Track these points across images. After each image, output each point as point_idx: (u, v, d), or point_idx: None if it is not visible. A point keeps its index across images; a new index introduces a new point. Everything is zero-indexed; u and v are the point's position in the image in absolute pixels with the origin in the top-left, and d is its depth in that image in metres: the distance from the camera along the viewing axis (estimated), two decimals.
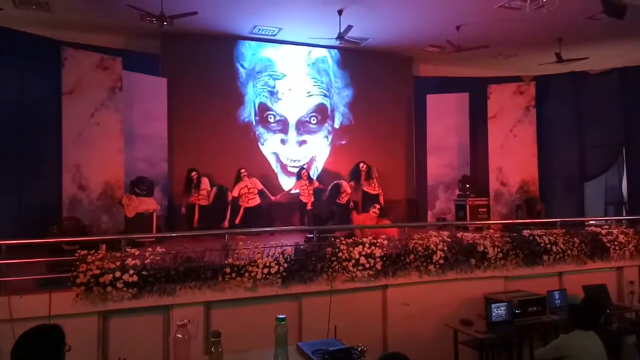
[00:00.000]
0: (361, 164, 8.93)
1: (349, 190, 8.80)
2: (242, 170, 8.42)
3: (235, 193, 8.29)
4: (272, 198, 8.77)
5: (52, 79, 7.12)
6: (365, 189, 8.86)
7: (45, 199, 7.11)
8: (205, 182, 8.09)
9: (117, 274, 4.27)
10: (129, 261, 4.46)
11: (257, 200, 8.44)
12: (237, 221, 8.13)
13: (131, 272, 4.31)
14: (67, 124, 6.97)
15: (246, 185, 8.34)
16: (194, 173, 7.98)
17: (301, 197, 8.73)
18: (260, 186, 8.62)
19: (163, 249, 4.73)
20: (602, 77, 10.08)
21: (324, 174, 9.77)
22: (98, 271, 4.24)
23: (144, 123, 8.17)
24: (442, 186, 10.21)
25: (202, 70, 8.98)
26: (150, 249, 4.73)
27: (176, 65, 8.75)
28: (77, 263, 4.28)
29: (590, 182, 10.21)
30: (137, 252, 4.65)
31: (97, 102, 7.23)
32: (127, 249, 4.67)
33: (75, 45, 7.43)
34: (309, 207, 8.60)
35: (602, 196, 10.30)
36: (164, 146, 8.47)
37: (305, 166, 9.38)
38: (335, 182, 9.01)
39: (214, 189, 8.18)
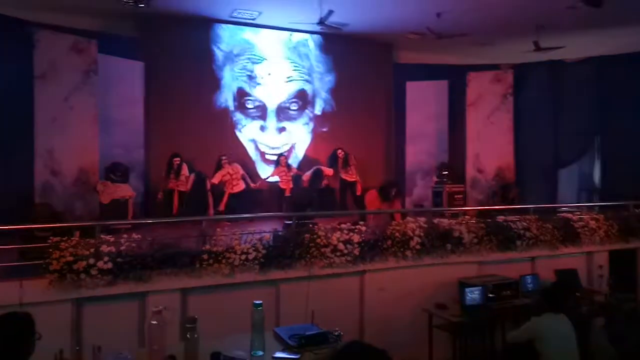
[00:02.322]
0: (339, 151, 8.92)
1: (330, 175, 8.85)
2: (223, 158, 8.30)
3: (216, 180, 8.18)
4: (252, 185, 8.73)
5: (24, 61, 6.90)
6: (342, 176, 8.88)
7: (16, 185, 6.92)
8: (184, 168, 7.96)
9: (91, 260, 4.21)
10: (104, 248, 4.40)
11: (241, 186, 8.39)
12: (221, 207, 8.05)
13: (106, 259, 4.25)
14: (40, 108, 6.81)
15: (228, 172, 8.26)
16: (176, 159, 7.81)
17: (280, 184, 8.72)
18: (242, 172, 8.55)
19: (139, 236, 4.68)
20: (578, 65, 10.24)
21: (306, 162, 9.72)
22: (71, 258, 4.18)
23: (120, 108, 8.02)
24: (420, 173, 10.31)
25: (180, 53, 8.80)
26: (125, 235, 4.67)
27: (153, 49, 8.56)
28: (50, 250, 4.21)
29: (564, 169, 10.41)
30: (112, 239, 4.59)
31: (71, 86, 7.07)
32: (102, 236, 4.60)
33: (48, 27, 7.21)
34: (287, 193, 8.58)
35: (575, 183, 10.52)
36: (140, 132, 8.33)
37: (285, 153, 9.33)
38: (317, 167, 9.02)
39: (192, 176, 8.06)
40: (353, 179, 8.82)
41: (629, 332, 4.77)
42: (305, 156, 9.90)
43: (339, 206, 8.67)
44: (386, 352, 1.83)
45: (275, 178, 8.82)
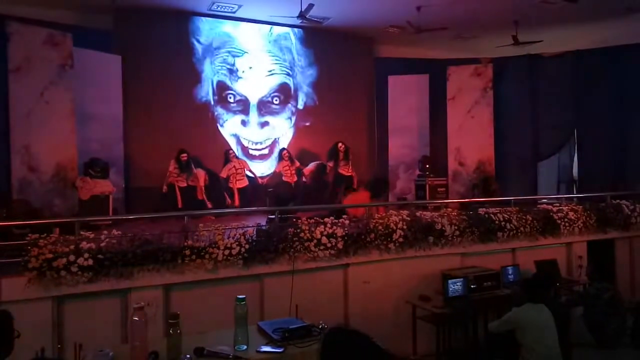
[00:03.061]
0: (339, 144, 8.89)
1: (329, 170, 8.90)
2: (231, 151, 8.48)
3: (224, 174, 8.27)
4: (260, 181, 8.76)
5: None
6: (339, 170, 8.86)
7: None
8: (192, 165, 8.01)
9: (72, 257, 4.13)
10: (84, 245, 4.32)
11: (245, 182, 8.45)
12: (236, 203, 8.17)
13: (86, 255, 4.18)
14: (15, 103, 6.65)
15: (234, 166, 8.30)
16: (183, 155, 7.82)
17: (284, 178, 8.69)
18: (249, 167, 8.67)
19: (119, 232, 4.61)
20: (556, 59, 10.39)
21: (305, 154, 9.67)
22: (51, 255, 4.09)
23: (97, 102, 7.87)
24: (403, 166, 10.37)
25: (159, 47, 8.69)
26: (106, 232, 4.60)
27: (131, 42, 8.42)
28: (29, 247, 4.12)
29: (543, 162, 10.58)
30: (92, 235, 4.51)
31: (47, 80, 6.91)
32: (82, 232, 4.52)
33: (22, 20, 7.04)
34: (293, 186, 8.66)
35: (554, 175, 10.70)
36: (118, 126, 8.19)
37: (286, 147, 9.31)
38: (320, 162, 8.98)
39: (202, 172, 8.08)
40: (349, 174, 8.81)
41: (607, 321, 4.89)
42: (303, 149, 9.82)
43: (329, 200, 8.66)
44: (370, 337, 1.89)
45: (265, 171, 8.88)
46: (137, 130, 8.45)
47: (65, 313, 4.26)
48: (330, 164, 8.86)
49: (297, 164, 8.91)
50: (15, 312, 2.52)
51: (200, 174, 8.06)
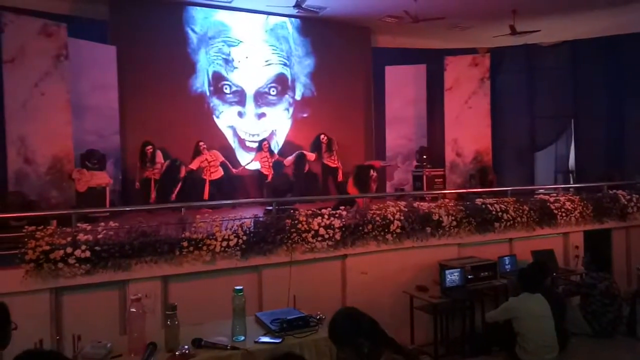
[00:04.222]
0: (322, 136, 8.91)
1: (312, 160, 8.84)
2: (201, 143, 8.25)
3: (194, 166, 8.14)
4: (234, 171, 8.69)
5: None
6: (325, 161, 8.87)
7: None
8: (159, 156, 7.91)
9: (69, 249, 4.12)
10: (81, 237, 4.32)
11: (219, 173, 8.36)
12: (205, 197, 8.00)
13: (83, 247, 4.17)
14: (10, 94, 6.60)
15: (206, 159, 8.20)
16: (149, 147, 7.76)
17: (262, 169, 8.66)
18: (222, 159, 8.52)
19: (116, 224, 4.60)
20: (553, 49, 10.37)
21: (288, 147, 9.65)
22: (48, 247, 4.09)
23: (93, 94, 7.82)
24: (400, 157, 10.37)
25: (154, 36, 8.62)
26: (103, 223, 4.59)
27: (126, 33, 8.35)
28: (26, 239, 4.11)
29: (540, 152, 10.60)
30: (89, 227, 4.51)
31: (42, 71, 6.84)
32: (79, 224, 4.51)
33: (16, 11, 6.96)
34: (269, 179, 8.56)
35: (552, 165, 10.73)
36: (115, 118, 8.14)
37: (266, 138, 9.24)
38: (299, 151, 8.97)
39: (167, 162, 7.98)
40: (335, 165, 8.81)
41: (603, 310, 4.91)
42: (288, 142, 9.80)
43: (321, 192, 8.67)
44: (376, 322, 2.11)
45: (257, 164, 8.77)
46: (132, 121, 8.40)
47: (63, 305, 4.26)
48: (314, 155, 8.85)
49: (276, 156, 8.88)
50: (13, 304, 2.53)
51: (165, 163, 7.93)
